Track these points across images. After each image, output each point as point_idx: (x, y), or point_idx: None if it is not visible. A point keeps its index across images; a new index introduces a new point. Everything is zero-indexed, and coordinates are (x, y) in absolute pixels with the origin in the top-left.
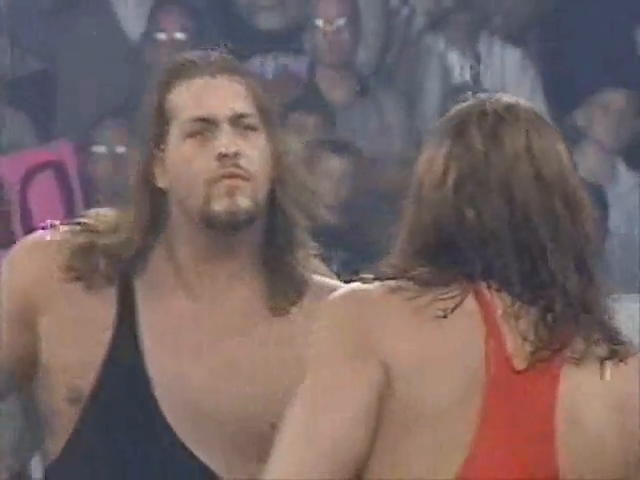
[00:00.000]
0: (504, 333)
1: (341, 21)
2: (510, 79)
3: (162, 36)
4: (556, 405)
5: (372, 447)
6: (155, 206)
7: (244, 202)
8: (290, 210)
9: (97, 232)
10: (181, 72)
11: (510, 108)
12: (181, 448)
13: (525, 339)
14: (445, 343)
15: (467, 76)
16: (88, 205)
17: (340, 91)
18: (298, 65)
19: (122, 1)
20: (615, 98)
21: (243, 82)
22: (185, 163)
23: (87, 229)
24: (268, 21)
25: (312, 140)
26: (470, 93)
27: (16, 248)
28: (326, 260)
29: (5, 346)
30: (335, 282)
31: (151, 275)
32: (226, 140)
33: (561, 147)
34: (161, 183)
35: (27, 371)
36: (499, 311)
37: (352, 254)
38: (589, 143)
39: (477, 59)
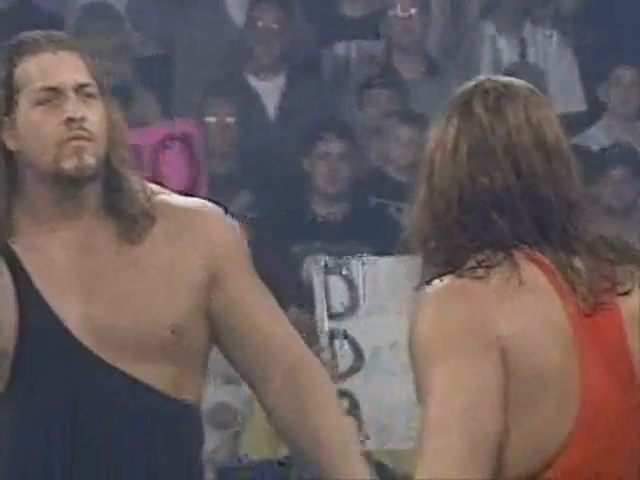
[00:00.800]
0: (565, 286)
1: (413, 11)
2: (550, 60)
3: (260, 24)
4: (625, 334)
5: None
6: (7, 167)
7: (90, 160)
8: (120, 166)
9: None
10: (26, 49)
11: (508, 86)
12: (102, 364)
13: (582, 286)
14: (535, 312)
15: (515, 57)
16: (212, 174)
17: (411, 70)
18: (376, 48)
19: None
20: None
21: (81, 57)
22: (35, 128)
23: None
24: (351, 11)
25: (387, 112)
26: (519, 71)
27: None
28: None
29: None
30: (178, 197)
31: (25, 236)
32: (72, 106)
33: (554, 116)
34: (12, 146)
35: None
36: (553, 268)
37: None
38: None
39: (522, 43)
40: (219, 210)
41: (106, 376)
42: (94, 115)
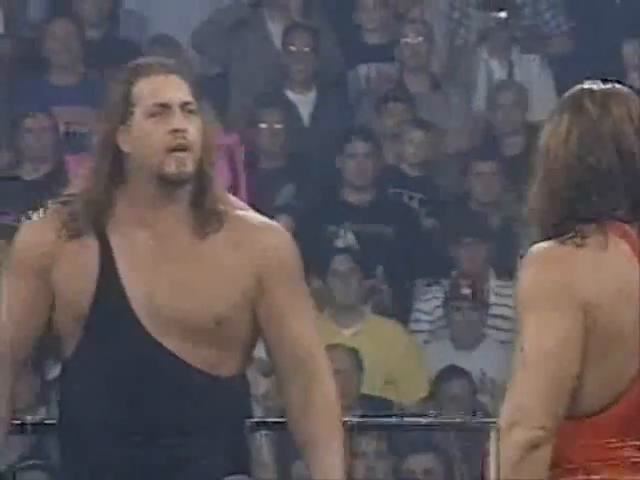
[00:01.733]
0: None
1: (420, 39)
2: (532, 79)
3: (293, 48)
4: None
5: (582, 367)
6: (115, 163)
7: (188, 168)
8: (210, 169)
9: (72, 203)
10: (142, 71)
11: (612, 87)
12: (154, 342)
13: None
14: (616, 279)
15: (504, 76)
16: (264, 170)
17: (419, 86)
18: (391, 69)
19: (272, 21)
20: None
21: (186, 80)
22: (147, 135)
23: (65, 203)
24: (371, 39)
25: (401, 120)
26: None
27: (21, 231)
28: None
29: (28, 296)
30: (250, 214)
31: (118, 222)
32: (178, 120)
33: None
34: (125, 148)
35: (46, 311)
36: (637, 240)
37: (426, 195)
38: None
39: (510, 65)
40: (282, 231)
41: (153, 350)
42: (193, 128)
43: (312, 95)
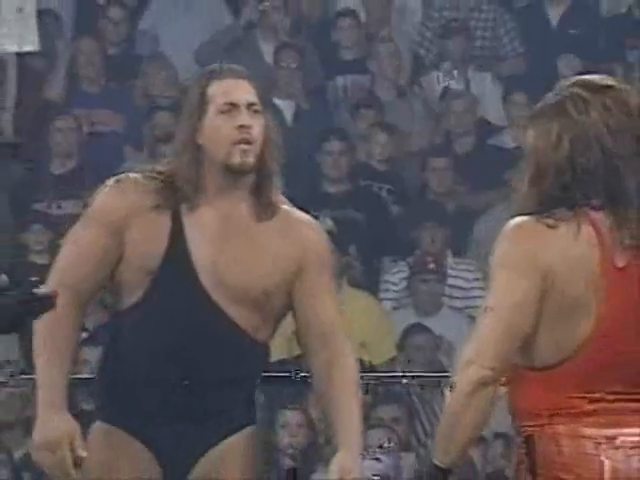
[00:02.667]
0: (608, 242)
1: (389, 55)
2: (486, 91)
3: (283, 64)
4: None
5: (537, 327)
6: (195, 154)
7: (250, 160)
8: (270, 163)
9: (154, 179)
10: (215, 75)
11: (587, 95)
12: (215, 306)
13: (622, 244)
14: (578, 255)
15: (462, 88)
16: None
17: (387, 95)
18: (364, 80)
19: (265, 43)
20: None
21: (252, 84)
22: (217, 129)
23: (148, 177)
24: (347, 55)
25: (371, 123)
26: (462, 97)
27: (107, 191)
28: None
29: (101, 251)
30: (296, 211)
31: (190, 202)
32: (244, 117)
33: (625, 97)
34: (199, 140)
35: (111, 265)
36: (604, 228)
37: (392, 186)
38: None
39: (467, 80)
40: (320, 227)
41: (211, 312)
42: (257, 125)
43: (293, 101)
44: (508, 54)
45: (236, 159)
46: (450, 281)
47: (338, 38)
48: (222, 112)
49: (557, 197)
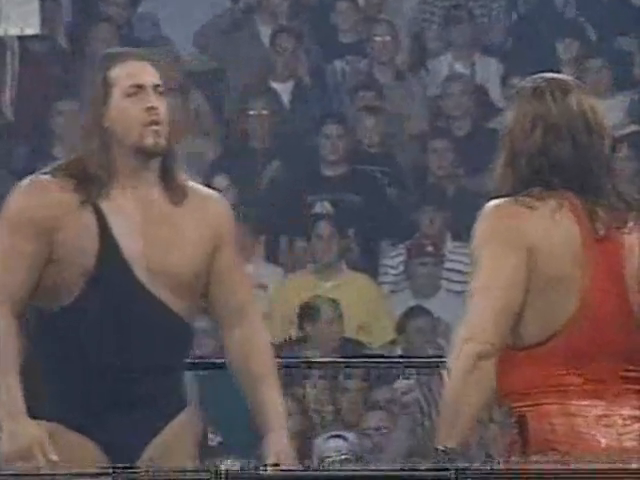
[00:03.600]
0: (586, 221)
1: (387, 38)
2: (490, 75)
3: (279, 48)
4: (623, 260)
5: (524, 305)
6: (103, 138)
7: (162, 140)
8: (174, 145)
9: (68, 171)
10: (117, 58)
11: (567, 81)
12: (151, 296)
13: (598, 222)
14: (560, 232)
15: (467, 72)
16: (254, 149)
17: (385, 78)
18: (362, 63)
19: (264, 26)
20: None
21: (155, 65)
22: (125, 112)
23: (61, 171)
24: (345, 38)
25: (370, 106)
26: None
27: (22, 192)
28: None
29: (32, 256)
30: (201, 187)
31: (105, 189)
32: (152, 99)
33: (594, 102)
34: (105, 124)
35: (42, 267)
36: (581, 207)
37: (390, 169)
38: None
39: (472, 64)
40: (225, 200)
41: (148, 301)
42: (163, 107)
43: (290, 84)
44: (507, 36)
45: (149, 141)
46: (449, 265)
47: (336, 21)
48: (129, 95)
49: (530, 179)
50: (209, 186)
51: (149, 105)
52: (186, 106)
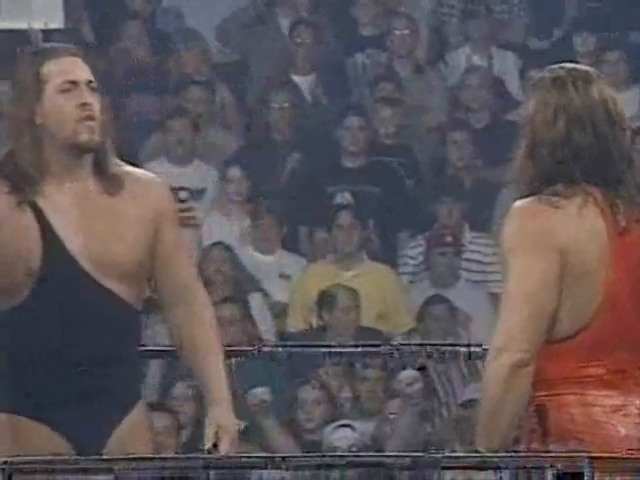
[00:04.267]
0: (609, 215)
1: (407, 32)
2: (508, 68)
3: (298, 40)
4: None
5: (558, 301)
6: (35, 134)
7: (96, 136)
8: (106, 136)
9: (6, 171)
10: (48, 54)
11: (588, 72)
12: (94, 282)
13: (619, 215)
14: (586, 228)
15: (485, 64)
16: (275, 141)
17: (405, 71)
18: (382, 56)
19: (285, 20)
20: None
21: (86, 62)
22: (59, 108)
23: (1, 170)
24: (366, 31)
25: (390, 98)
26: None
27: None
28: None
29: None
30: (136, 170)
31: (40, 186)
32: (85, 95)
33: (613, 93)
34: (38, 120)
35: None
36: (602, 200)
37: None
38: None
39: (490, 57)
40: (162, 182)
41: (97, 292)
42: (96, 102)
43: (311, 78)
44: (526, 31)
45: (83, 137)
46: (467, 255)
47: (357, 14)
48: (62, 91)
49: (552, 171)
50: (224, 176)
51: (83, 101)
52: (211, 98)
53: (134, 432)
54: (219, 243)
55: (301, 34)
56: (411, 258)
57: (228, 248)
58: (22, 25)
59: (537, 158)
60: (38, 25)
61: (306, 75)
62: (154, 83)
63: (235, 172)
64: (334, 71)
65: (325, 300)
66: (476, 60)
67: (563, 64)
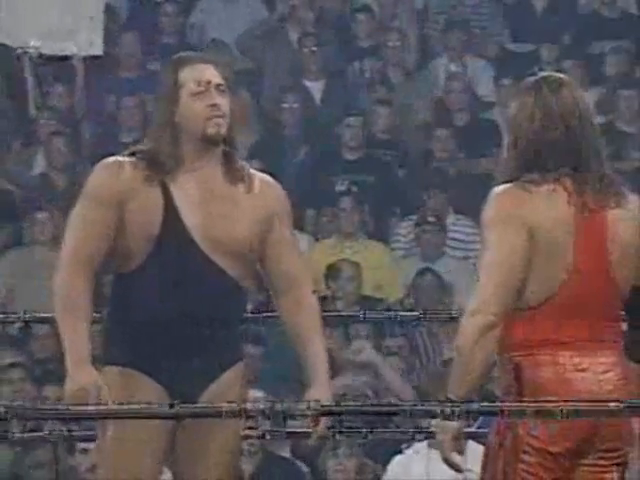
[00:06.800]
0: (575, 198)
1: (398, 43)
2: (481, 74)
3: (305, 48)
4: (607, 231)
5: (526, 275)
6: (174, 132)
7: (223, 130)
8: (235, 135)
9: (141, 156)
10: (185, 61)
11: (561, 77)
12: (207, 259)
13: (588, 199)
14: (555, 210)
15: (459, 70)
16: (286, 136)
17: (397, 77)
18: (378, 64)
19: (294, 33)
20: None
21: (218, 67)
22: (192, 109)
23: (134, 155)
24: (364, 43)
25: (384, 100)
26: (460, 80)
27: (100, 170)
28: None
29: (107, 225)
30: (259, 173)
31: (173, 173)
32: (215, 97)
33: (583, 95)
34: (176, 119)
35: (113, 235)
36: (572, 187)
37: (400, 154)
38: None
39: (464, 65)
40: (279, 185)
41: (204, 263)
42: (225, 102)
43: (321, 83)
44: (499, 42)
45: (211, 130)
46: (451, 234)
47: (356, 29)
48: (195, 94)
49: (531, 160)
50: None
51: (212, 102)
52: (235, 101)
53: (227, 388)
54: None
55: (307, 42)
56: (403, 236)
57: None
58: (69, 52)
59: (518, 150)
60: (79, 52)
61: (313, 80)
62: None
63: (253, 164)
64: (337, 77)
65: (331, 272)
66: (453, 67)
67: (541, 72)
